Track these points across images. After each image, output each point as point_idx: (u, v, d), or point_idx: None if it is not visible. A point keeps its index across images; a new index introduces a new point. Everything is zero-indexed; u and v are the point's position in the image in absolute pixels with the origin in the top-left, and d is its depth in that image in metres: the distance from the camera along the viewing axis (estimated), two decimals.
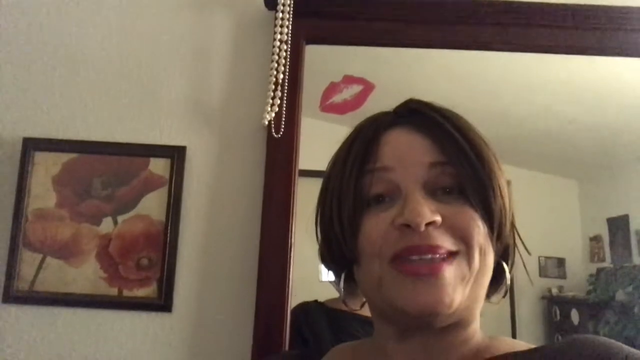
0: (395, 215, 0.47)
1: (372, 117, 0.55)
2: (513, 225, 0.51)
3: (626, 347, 0.43)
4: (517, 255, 0.53)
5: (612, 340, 0.45)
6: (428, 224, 0.45)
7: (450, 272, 0.45)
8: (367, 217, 0.49)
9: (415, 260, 0.45)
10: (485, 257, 0.47)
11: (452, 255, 0.45)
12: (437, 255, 0.45)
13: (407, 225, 0.45)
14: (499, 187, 0.48)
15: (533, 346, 0.49)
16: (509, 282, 0.51)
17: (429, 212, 0.45)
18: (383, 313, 0.50)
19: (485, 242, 0.47)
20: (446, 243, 0.45)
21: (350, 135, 0.54)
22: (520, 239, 0.53)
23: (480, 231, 0.46)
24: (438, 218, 0.45)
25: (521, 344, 0.50)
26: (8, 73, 0.99)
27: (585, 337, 0.46)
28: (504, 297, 0.53)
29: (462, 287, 0.45)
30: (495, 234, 0.47)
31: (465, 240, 0.46)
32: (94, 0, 1.03)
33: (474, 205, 0.46)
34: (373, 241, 0.47)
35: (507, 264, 0.51)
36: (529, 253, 0.53)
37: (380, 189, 0.49)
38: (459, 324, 0.48)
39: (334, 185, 0.51)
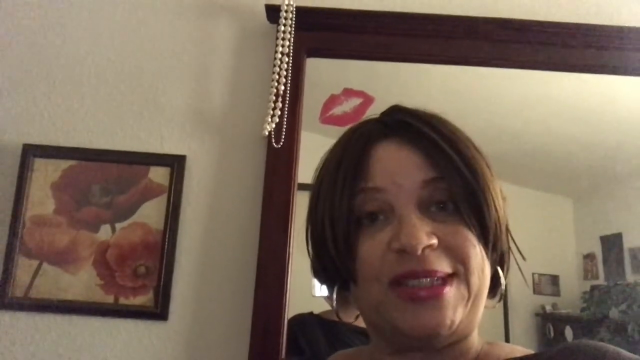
0: (391, 238, 0.46)
1: (358, 127, 0.53)
2: (507, 230, 0.51)
3: (623, 352, 0.44)
4: (512, 266, 0.53)
5: (609, 345, 0.45)
6: (424, 247, 0.44)
7: (450, 293, 0.44)
8: (363, 239, 0.48)
9: (414, 284, 0.45)
10: (483, 276, 0.47)
11: (450, 276, 0.45)
12: (435, 278, 0.44)
13: (404, 250, 0.45)
14: (493, 200, 0.47)
15: (531, 352, 0.49)
16: (504, 287, 0.51)
17: (425, 236, 0.44)
18: (381, 331, 0.50)
19: (482, 261, 0.46)
20: (443, 266, 0.45)
21: (336, 148, 0.53)
22: (515, 243, 0.52)
23: (477, 252, 0.46)
24: (434, 241, 0.45)
25: (519, 349, 0.50)
26: (9, 79, 1.00)
27: (583, 342, 0.46)
28: (499, 302, 0.52)
29: (462, 307, 0.45)
30: (490, 247, 0.47)
31: (462, 262, 0.45)
32: (96, 9, 1.04)
33: (469, 222, 0.46)
34: (370, 266, 0.47)
35: (502, 269, 0.51)
36: (524, 258, 0.53)
37: (373, 207, 0.48)
38: (459, 339, 0.48)
39: (325, 203, 0.50)
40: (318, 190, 0.52)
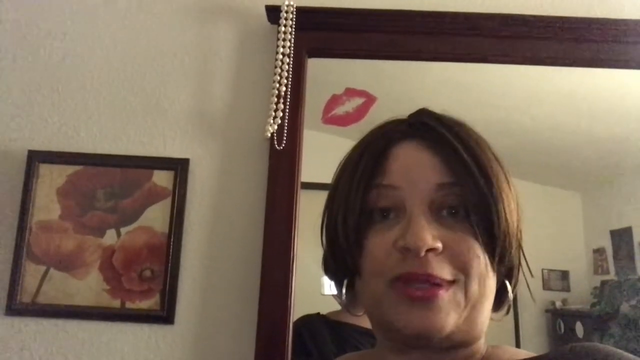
0: (398, 236, 0.46)
1: (383, 126, 0.54)
2: (519, 246, 0.51)
3: (627, 355, 0.43)
4: (520, 273, 0.53)
5: (613, 348, 0.44)
6: (429, 250, 0.45)
7: (444, 296, 0.45)
8: (372, 234, 0.49)
9: (413, 284, 0.45)
10: (484, 285, 0.46)
11: (449, 283, 0.45)
12: (434, 282, 0.45)
13: (408, 249, 0.45)
14: (505, 212, 0.47)
15: (534, 355, 0.49)
16: (511, 301, 0.51)
17: (430, 239, 0.44)
18: (381, 329, 0.51)
19: (484, 271, 0.46)
20: (444, 272, 0.45)
21: (359, 145, 0.54)
22: (526, 260, 0.52)
23: (479, 261, 0.46)
24: (439, 245, 0.45)
25: (522, 353, 0.50)
26: (13, 86, 1.01)
27: (585, 344, 0.45)
28: (506, 314, 0.52)
29: (456, 313, 0.45)
30: (497, 259, 0.47)
31: (463, 270, 0.45)
32: (98, 14, 1.05)
33: (477, 230, 0.46)
34: (375, 261, 0.47)
35: (510, 283, 0.51)
36: (532, 275, 0.53)
37: (386, 203, 0.49)
38: (460, 344, 0.48)
39: (341, 195, 0.51)
40: (337, 184, 0.54)
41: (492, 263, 0.47)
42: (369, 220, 0.49)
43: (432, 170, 0.48)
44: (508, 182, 0.49)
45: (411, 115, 0.54)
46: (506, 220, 0.47)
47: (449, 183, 0.47)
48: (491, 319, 0.50)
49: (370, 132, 0.55)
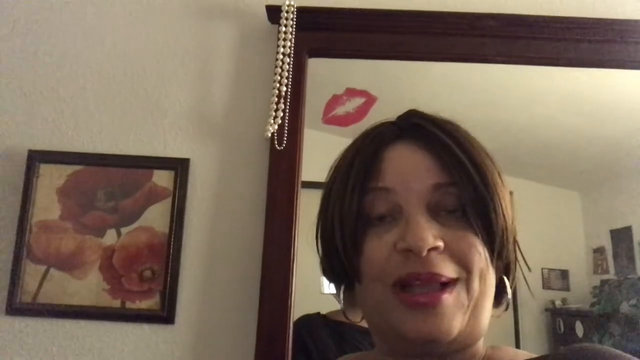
0: (398, 239, 0.46)
1: (374, 129, 0.54)
2: (515, 241, 0.51)
3: (629, 357, 0.43)
4: (518, 268, 0.53)
5: (613, 349, 0.44)
6: (430, 249, 0.45)
7: (449, 300, 0.45)
8: (369, 238, 0.48)
9: (415, 288, 0.45)
10: (485, 282, 0.47)
11: (451, 282, 0.45)
12: (438, 284, 0.45)
13: (410, 250, 0.45)
14: (502, 208, 0.48)
15: (535, 355, 0.49)
16: (510, 296, 0.51)
17: (431, 238, 0.44)
18: (382, 334, 0.50)
19: (485, 267, 0.46)
20: (447, 270, 0.45)
21: (351, 148, 0.54)
22: (522, 254, 0.52)
23: (480, 257, 0.46)
24: (440, 244, 0.45)
25: (523, 354, 0.51)
26: (14, 85, 1.01)
27: (588, 345, 0.45)
28: (505, 310, 0.52)
29: (461, 315, 0.45)
30: (496, 254, 0.47)
31: (466, 267, 0.46)
32: (100, 13, 1.05)
33: (476, 228, 0.46)
34: (375, 265, 0.47)
35: (508, 279, 0.51)
36: (529, 269, 0.53)
37: (382, 208, 0.48)
38: (462, 347, 0.48)
39: (335, 201, 0.51)
40: (330, 189, 0.53)
41: (491, 259, 0.47)
42: (365, 224, 0.49)
43: (427, 171, 0.48)
44: (501, 178, 0.50)
45: (400, 117, 0.54)
46: (503, 216, 0.48)
47: (445, 183, 0.47)
48: (491, 315, 0.50)
49: (360, 136, 0.54)
